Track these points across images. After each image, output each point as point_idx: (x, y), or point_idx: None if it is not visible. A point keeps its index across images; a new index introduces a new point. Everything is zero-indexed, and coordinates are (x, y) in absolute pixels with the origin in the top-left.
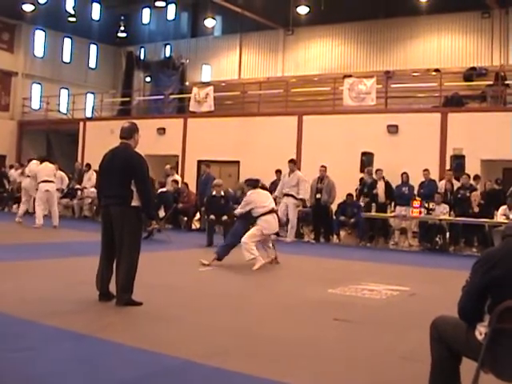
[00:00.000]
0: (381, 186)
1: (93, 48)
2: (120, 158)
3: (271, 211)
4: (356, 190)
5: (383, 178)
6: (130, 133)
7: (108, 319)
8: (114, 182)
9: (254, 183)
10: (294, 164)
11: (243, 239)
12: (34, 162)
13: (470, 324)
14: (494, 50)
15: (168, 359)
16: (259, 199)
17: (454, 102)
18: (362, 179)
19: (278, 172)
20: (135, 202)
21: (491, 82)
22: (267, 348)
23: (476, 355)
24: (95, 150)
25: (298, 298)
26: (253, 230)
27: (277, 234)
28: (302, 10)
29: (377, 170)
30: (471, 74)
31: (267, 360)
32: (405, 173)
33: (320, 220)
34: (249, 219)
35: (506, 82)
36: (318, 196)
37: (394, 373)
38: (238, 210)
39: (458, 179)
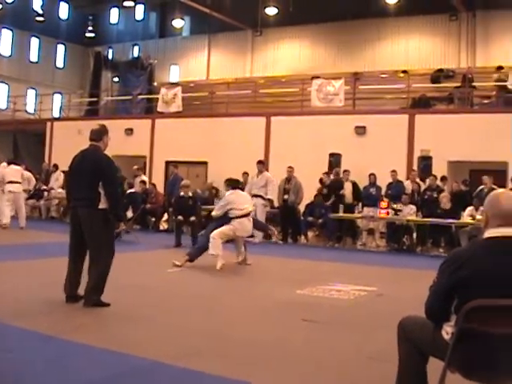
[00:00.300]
0: (348, 187)
1: (60, 48)
2: (89, 161)
3: (247, 214)
4: (317, 191)
5: (349, 178)
6: (99, 135)
7: (77, 320)
8: (82, 184)
9: (234, 183)
10: (263, 165)
11: (213, 234)
12: (3, 164)
13: (437, 324)
14: (462, 52)
15: (136, 360)
16: (238, 200)
17: (422, 104)
18: (321, 180)
19: (245, 174)
20: (103, 205)
21: (458, 84)
22: (236, 349)
23: (443, 355)
24: (62, 150)
25: (266, 299)
26: (225, 228)
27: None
28: (271, 11)
29: (344, 171)
30: (439, 76)
31: (236, 361)
32: (372, 174)
33: (288, 221)
34: (225, 221)
35: (473, 84)
36: (286, 197)
37: (362, 373)
38: (216, 212)
39: (423, 180)
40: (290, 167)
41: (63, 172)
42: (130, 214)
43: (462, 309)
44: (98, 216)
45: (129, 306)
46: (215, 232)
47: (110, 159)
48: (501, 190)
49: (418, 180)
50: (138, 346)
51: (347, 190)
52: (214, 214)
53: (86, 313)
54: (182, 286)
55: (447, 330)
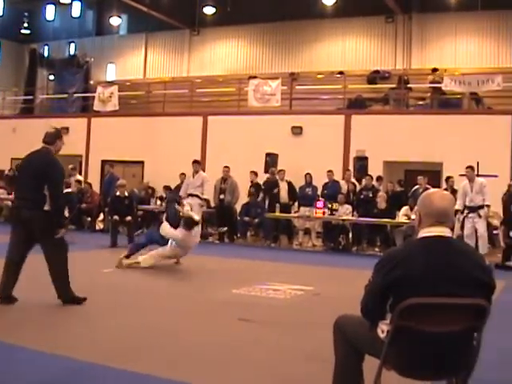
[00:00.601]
0: (284, 187)
1: None
2: (38, 162)
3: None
4: (248, 191)
5: (284, 178)
6: (53, 138)
7: (12, 322)
8: (29, 185)
9: (189, 225)
10: (199, 164)
11: (154, 252)
12: None
13: (373, 322)
14: (398, 53)
15: (75, 362)
16: (189, 242)
17: (358, 105)
18: (252, 181)
19: (183, 175)
20: (48, 207)
21: (394, 86)
22: (171, 350)
23: (378, 353)
24: None
25: (202, 298)
26: (167, 251)
27: None
28: (209, 10)
29: (279, 171)
30: (375, 77)
31: (170, 362)
32: (308, 173)
33: (224, 220)
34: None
35: (409, 86)
36: (222, 196)
37: (298, 372)
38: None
39: (359, 180)
40: (226, 167)
41: None
42: (66, 213)
43: (397, 307)
44: (44, 217)
45: (64, 306)
46: (157, 252)
47: (59, 163)
48: (433, 190)
49: (353, 180)
50: (77, 347)
51: (283, 189)
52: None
53: (20, 314)
54: (116, 287)
55: (382, 328)
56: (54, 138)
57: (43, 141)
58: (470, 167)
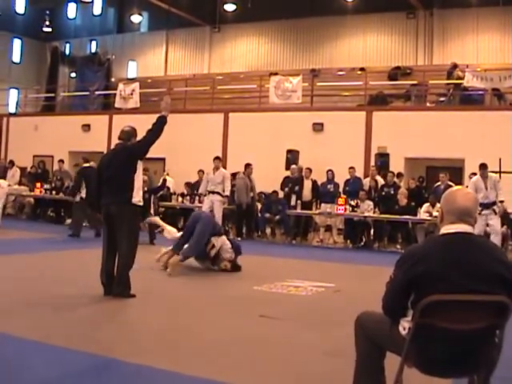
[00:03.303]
0: (308, 185)
1: (17, 42)
2: (119, 158)
3: None
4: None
5: (310, 177)
6: (128, 136)
7: (32, 318)
8: (113, 182)
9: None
10: (220, 161)
11: None
12: None
13: (394, 319)
14: (419, 50)
15: (93, 358)
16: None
17: (379, 101)
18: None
19: (201, 172)
20: (135, 199)
21: (415, 82)
22: (193, 346)
23: (400, 350)
24: (19, 146)
25: (223, 294)
26: None
27: None
28: (229, 7)
29: (305, 169)
30: (396, 74)
31: (193, 358)
32: (330, 170)
33: (245, 217)
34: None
35: (430, 82)
36: (251, 194)
37: (319, 369)
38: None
39: (384, 177)
40: (249, 164)
41: (19, 168)
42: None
43: (418, 304)
44: (130, 211)
45: (88, 302)
46: None
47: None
48: (457, 188)
49: (377, 177)
50: (96, 343)
51: (306, 187)
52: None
53: (38, 310)
54: (138, 284)
55: (404, 326)
56: (130, 135)
57: (119, 137)
58: (484, 166)
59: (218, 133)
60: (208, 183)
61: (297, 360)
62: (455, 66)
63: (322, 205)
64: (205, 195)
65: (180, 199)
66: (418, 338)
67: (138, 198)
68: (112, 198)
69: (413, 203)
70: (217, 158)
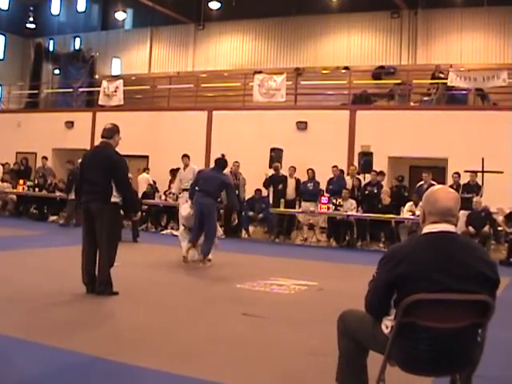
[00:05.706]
0: (291, 183)
1: (0, 38)
2: (100, 157)
3: None
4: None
5: (293, 175)
6: (111, 133)
7: (14, 316)
8: (94, 180)
9: None
10: (188, 158)
11: None
12: None
13: (377, 318)
14: (403, 49)
15: (77, 356)
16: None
17: (363, 100)
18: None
19: (174, 171)
20: (114, 199)
21: (399, 81)
22: (176, 344)
23: (382, 348)
24: (1, 143)
25: (206, 293)
26: None
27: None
28: (214, 5)
29: (289, 168)
30: (380, 73)
31: (176, 356)
32: (310, 169)
33: (229, 215)
34: None
35: (414, 81)
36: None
37: (301, 367)
38: None
39: (365, 175)
40: (236, 162)
41: (2, 165)
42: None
43: (401, 303)
44: (109, 209)
45: (78, 301)
46: None
47: (121, 156)
48: (438, 187)
49: (358, 175)
50: (79, 341)
51: (290, 185)
52: None
53: (21, 308)
54: (121, 282)
55: (387, 324)
56: (112, 132)
57: (102, 136)
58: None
59: (201, 131)
60: (181, 181)
61: (278, 358)
62: (439, 70)
63: (303, 203)
64: (179, 193)
65: (163, 197)
66: (401, 337)
67: (119, 197)
68: (91, 196)
69: (395, 202)
70: (185, 155)
